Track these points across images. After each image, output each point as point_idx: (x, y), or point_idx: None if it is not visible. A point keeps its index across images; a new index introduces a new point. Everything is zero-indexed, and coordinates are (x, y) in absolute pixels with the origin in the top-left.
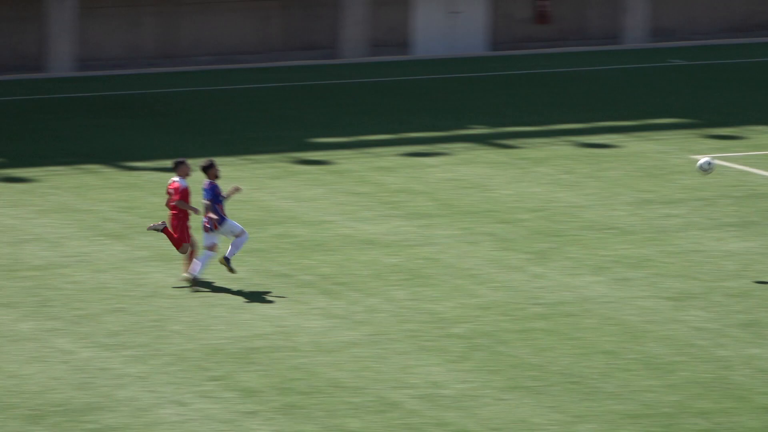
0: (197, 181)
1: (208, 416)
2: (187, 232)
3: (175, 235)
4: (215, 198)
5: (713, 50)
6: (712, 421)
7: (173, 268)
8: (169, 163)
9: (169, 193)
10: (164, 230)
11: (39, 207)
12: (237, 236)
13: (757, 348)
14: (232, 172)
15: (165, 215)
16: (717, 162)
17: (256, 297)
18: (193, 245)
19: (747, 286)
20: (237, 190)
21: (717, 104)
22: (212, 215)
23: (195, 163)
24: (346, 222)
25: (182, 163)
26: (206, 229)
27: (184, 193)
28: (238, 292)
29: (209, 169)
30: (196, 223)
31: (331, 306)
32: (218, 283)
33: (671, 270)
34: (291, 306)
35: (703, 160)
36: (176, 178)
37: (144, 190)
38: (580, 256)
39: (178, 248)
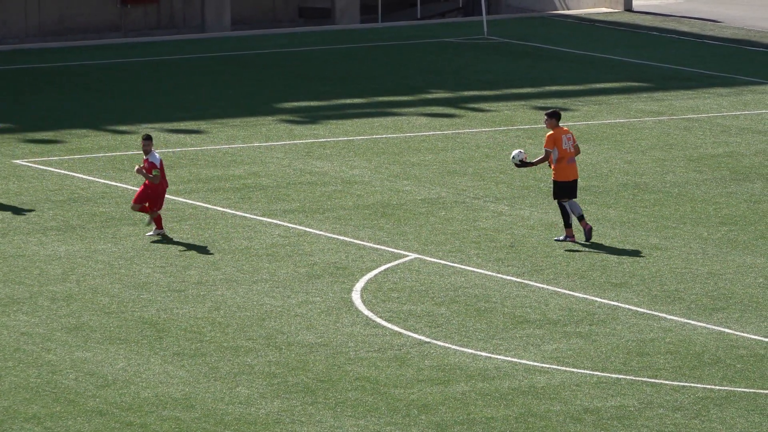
0: None
1: None
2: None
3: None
4: None
5: (26, 54)
6: (43, 425)
7: None
8: None
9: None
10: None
11: None
12: None
13: (84, 351)
14: None
15: None
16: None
17: None
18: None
19: (71, 290)
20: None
21: (34, 109)
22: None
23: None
24: None
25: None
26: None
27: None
28: None
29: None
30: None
31: None
32: None
33: None
34: None
35: (516, 151)
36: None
37: None
38: None
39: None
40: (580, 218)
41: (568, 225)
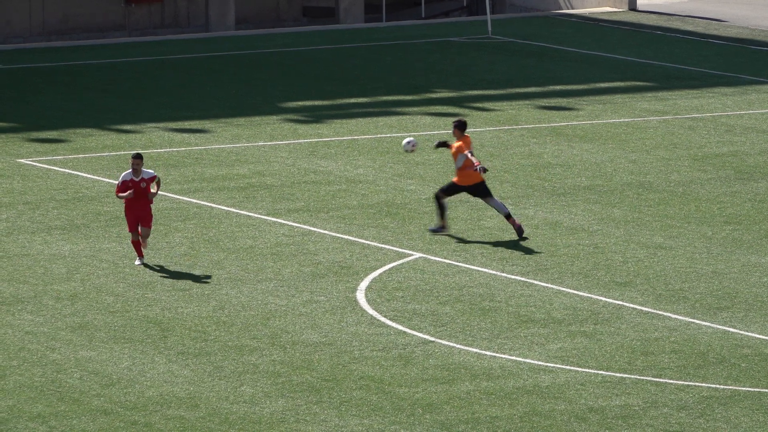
0: None
1: None
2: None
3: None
4: None
5: (30, 53)
6: (48, 424)
7: None
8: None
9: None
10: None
11: None
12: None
13: (89, 351)
14: None
15: None
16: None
17: None
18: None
19: (76, 289)
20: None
21: (38, 108)
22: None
23: None
24: None
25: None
26: None
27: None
28: None
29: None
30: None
31: None
32: None
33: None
34: None
35: (406, 140)
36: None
37: None
38: None
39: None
40: (507, 217)
41: (442, 217)
